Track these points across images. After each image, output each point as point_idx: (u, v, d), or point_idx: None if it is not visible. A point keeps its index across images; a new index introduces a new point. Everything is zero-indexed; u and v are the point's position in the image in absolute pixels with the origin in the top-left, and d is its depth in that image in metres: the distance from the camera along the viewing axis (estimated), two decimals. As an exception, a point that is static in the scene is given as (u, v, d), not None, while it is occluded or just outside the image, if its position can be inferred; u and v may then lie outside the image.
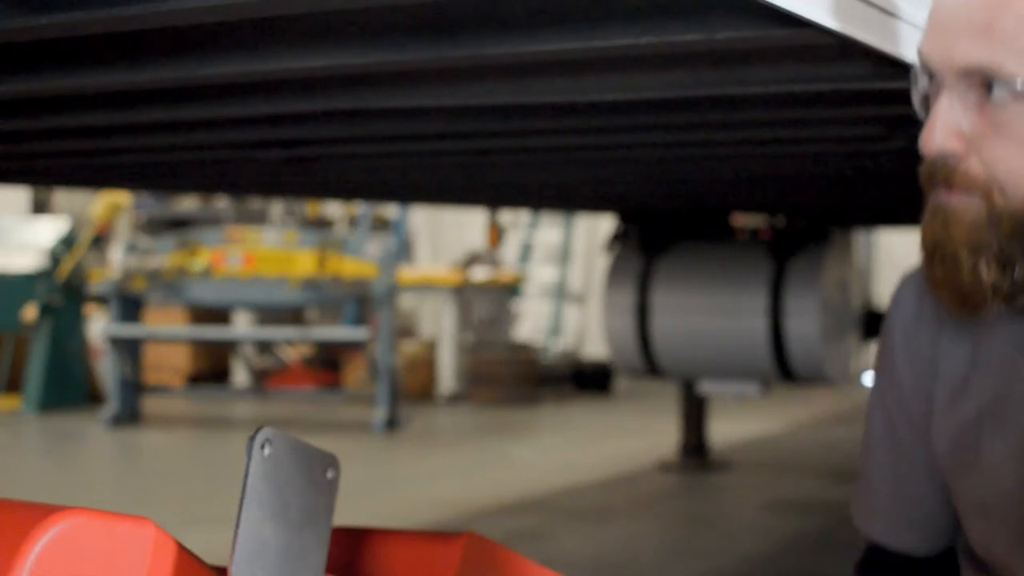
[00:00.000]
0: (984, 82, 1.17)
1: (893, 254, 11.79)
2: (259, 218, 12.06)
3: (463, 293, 10.97)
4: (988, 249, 1.20)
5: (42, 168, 3.51)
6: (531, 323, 12.72)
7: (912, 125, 2.23)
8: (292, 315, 11.37)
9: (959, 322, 1.35)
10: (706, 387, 6.66)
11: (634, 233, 6.01)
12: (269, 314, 10.97)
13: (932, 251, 1.23)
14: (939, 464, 1.40)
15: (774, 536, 5.65)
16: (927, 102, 1.22)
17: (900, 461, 1.45)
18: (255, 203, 12.18)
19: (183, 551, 1.15)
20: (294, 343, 11.41)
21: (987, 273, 1.20)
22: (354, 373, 10.72)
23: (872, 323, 6.37)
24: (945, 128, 1.18)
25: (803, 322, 5.52)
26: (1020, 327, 1.29)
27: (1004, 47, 1.15)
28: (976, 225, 1.19)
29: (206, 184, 5.23)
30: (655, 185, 4.58)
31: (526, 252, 13.25)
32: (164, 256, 9.22)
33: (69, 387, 9.88)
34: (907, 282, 1.44)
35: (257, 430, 1.21)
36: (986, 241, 1.19)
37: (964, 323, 1.35)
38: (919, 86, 1.23)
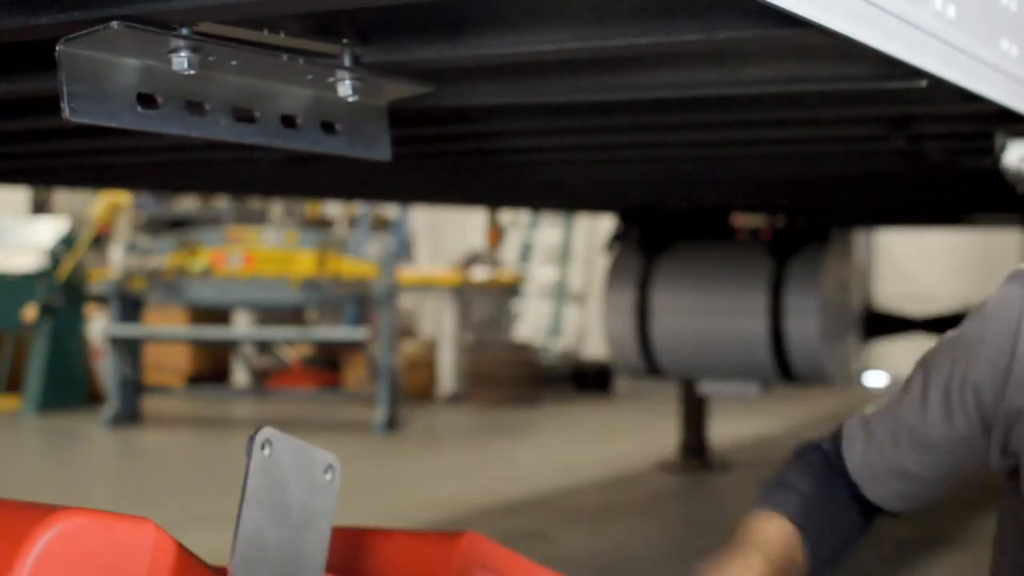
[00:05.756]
0: None
1: (893, 254, 11.78)
2: (259, 218, 12.06)
3: (463, 293, 10.97)
4: None
5: (42, 168, 3.51)
6: (531, 323, 12.71)
7: (912, 125, 2.23)
8: (292, 315, 11.36)
9: None
10: (706, 387, 6.66)
11: (634, 233, 6.00)
12: (269, 314, 10.96)
13: None
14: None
15: (774, 536, 5.64)
16: None
17: (928, 445, 1.53)
18: (255, 203, 12.17)
19: (183, 551, 1.15)
20: (294, 343, 11.41)
21: None
22: (354, 373, 10.71)
23: (872, 323, 6.36)
24: None
25: (803, 322, 5.52)
26: None
27: None
28: None
29: (206, 184, 5.23)
30: (655, 185, 4.58)
31: (526, 252, 13.25)
32: (164, 256, 9.21)
33: (69, 387, 9.87)
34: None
35: (257, 430, 1.21)
36: None
37: None
38: None
